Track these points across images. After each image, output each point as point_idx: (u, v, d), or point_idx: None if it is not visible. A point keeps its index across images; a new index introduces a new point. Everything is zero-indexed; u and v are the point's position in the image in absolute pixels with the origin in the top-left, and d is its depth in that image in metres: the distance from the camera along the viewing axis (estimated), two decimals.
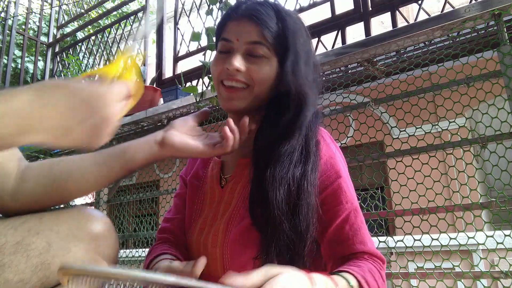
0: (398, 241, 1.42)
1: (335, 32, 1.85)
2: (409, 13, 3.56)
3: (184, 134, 0.73)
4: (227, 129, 0.70)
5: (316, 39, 1.91)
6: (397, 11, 1.67)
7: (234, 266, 0.74)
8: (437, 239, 1.32)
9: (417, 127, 1.44)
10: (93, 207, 2.46)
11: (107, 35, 3.15)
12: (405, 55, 1.62)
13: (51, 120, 0.50)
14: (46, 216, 0.61)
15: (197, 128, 0.75)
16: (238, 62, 0.75)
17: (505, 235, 1.24)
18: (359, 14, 1.77)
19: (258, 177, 0.74)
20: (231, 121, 0.72)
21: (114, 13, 4.53)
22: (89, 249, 0.61)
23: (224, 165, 0.89)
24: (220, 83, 0.80)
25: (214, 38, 1.91)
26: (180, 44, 2.54)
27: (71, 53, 3.43)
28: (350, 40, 1.74)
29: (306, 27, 0.84)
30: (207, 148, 0.70)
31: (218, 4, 1.98)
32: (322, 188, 0.75)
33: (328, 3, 1.88)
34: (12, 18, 3.59)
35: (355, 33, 2.24)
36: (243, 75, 0.76)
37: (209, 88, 1.87)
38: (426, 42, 1.51)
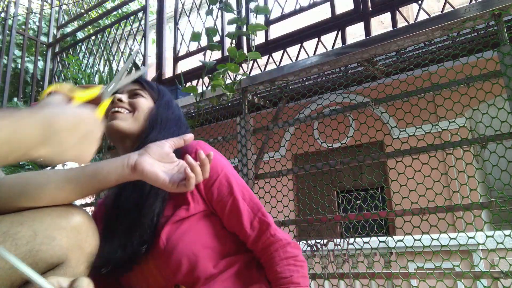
0: (398, 241, 1.42)
1: (335, 32, 1.85)
2: (409, 13, 3.55)
3: (156, 162, 0.73)
4: (188, 169, 0.71)
5: (316, 39, 1.91)
6: (397, 11, 1.67)
7: (168, 269, 0.82)
8: (437, 239, 1.32)
9: (417, 127, 1.44)
10: (92, 207, 2.46)
11: (107, 35, 3.15)
12: (405, 55, 1.62)
13: (53, 143, 0.56)
14: (25, 211, 0.64)
15: (171, 155, 0.75)
16: (121, 96, 1.00)
17: (505, 235, 1.24)
18: (359, 14, 1.77)
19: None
20: (189, 157, 0.73)
21: (114, 13, 4.52)
22: (71, 237, 0.64)
23: None
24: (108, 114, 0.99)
25: (214, 38, 1.92)
26: (180, 44, 2.54)
27: (71, 53, 3.43)
28: (350, 40, 1.74)
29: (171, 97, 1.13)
30: (171, 185, 0.71)
31: (218, 4, 1.98)
32: None
33: (328, 3, 1.88)
34: (12, 18, 3.59)
35: (355, 33, 2.24)
36: (124, 104, 1.00)
37: (209, 88, 1.87)
38: (426, 42, 1.51)
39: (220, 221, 0.86)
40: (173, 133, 0.95)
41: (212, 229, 0.84)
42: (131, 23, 2.99)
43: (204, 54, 2.32)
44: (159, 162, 0.73)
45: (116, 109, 0.99)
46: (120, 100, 1.00)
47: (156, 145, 0.75)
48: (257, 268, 0.85)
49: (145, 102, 1.03)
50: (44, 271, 0.62)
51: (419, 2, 1.62)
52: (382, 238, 1.49)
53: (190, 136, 0.78)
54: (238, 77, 1.81)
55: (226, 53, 2.09)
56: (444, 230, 1.32)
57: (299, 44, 1.95)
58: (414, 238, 1.35)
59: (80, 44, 3.43)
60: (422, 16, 1.51)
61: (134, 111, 0.99)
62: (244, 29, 1.96)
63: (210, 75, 1.85)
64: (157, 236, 0.80)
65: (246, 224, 0.83)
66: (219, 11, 2.29)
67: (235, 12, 2.04)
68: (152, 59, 2.89)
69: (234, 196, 0.84)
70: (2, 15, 3.89)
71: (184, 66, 2.47)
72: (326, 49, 1.81)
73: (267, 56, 2.02)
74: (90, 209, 2.83)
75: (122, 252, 0.79)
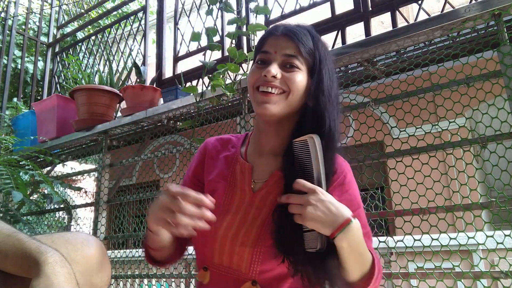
0: (398, 241, 1.42)
1: (335, 32, 1.85)
2: (409, 13, 3.55)
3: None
4: None
5: None
6: (397, 11, 1.67)
7: (263, 267, 0.80)
8: (437, 239, 1.32)
9: (417, 127, 1.44)
10: (93, 207, 2.46)
11: (107, 35, 3.15)
12: (405, 55, 1.62)
13: None
14: (43, 240, 0.65)
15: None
16: (275, 70, 0.84)
17: (505, 235, 1.24)
18: (359, 14, 1.77)
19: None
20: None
21: (114, 13, 4.52)
22: (83, 272, 0.65)
23: (253, 170, 0.91)
24: (255, 89, 0.87)
25: (214, 38, 1.92)
26: (180, 44, 2.54)
27: (71, 53, 3.43)
28: (350, 40, 1.74)
29: (331, 54, 0.92)
30: None
31: (218, 4, 1.98)
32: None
33: (328, 3, 1.88)
34: (12, 18, 3.59)
35: (355, 33, 2.24)
36: (279, 82, 0.84)
37: (209, 88, 1.87)
38: (426, 42, 1.51)
39: None
40: (334, 115, 0.85)
41: None
42: (131, 23, 2.99)
43: (204, 54, 2.32)
44: None
45: (268, 88, 0.84)
46: (274, 76, 0.83)
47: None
48: None
49: (302, 79, 0.85)
50: None
51: (419, 2, 1.62)
52: (382, 238, 1.49)
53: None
54: (238, 77, 1.81)
55: (226, 53, 2.09)
56: (444, 230, 1.32)
57: None
58: (414, 238, 1.35)
59: (80, 44, 3.43)
60: (422, 16, 1.51)
61: (289, 92, 0.84)
62: (244, 29, 1.96)
63: (210, 75, 1.85)
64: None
65: None
66: (219, 11, 2.29)
67: (235, 12, 2.04)
68: (152, 59, 2.89)
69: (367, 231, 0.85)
70: (2, 15, 3.89)
71: (184, 66, 2.47)
72: None
73: None
74: (90, 209, 2.83)
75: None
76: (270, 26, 0.97)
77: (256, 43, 0.94)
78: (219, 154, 0.98)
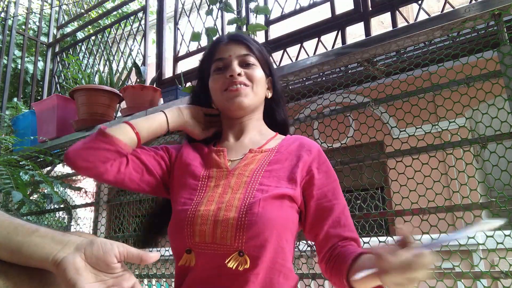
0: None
1: (335, 32, 1.85)
2: (409, 13, 3.55)
3: (86, 269, 0.56)
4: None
5: (316, 39, 1.91)
6: (397, 11, 1.67)
7: (249, 234, 0.79)
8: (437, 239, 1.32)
9: (417, 127, 1.44)
10: (93, 207, 2.46)
11: (107, 35, 3.15)
12: (405, 55, 1.62)
13: None
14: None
15: (114, 266, 0.59)
16: (238, 69, 0.96)
17: (505, 235, 1.24)
18: (359, 14, 1.77)
19: None
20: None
21: (114, 13, 4.52)
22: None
23: (228, 152, 1.00)
24: (223, 92, 0.97)
25: (214, 38, 1.92)
26: (180, 44, 2.54)
27: (71, 53, 3.43)
28: (350, 40, 1.74)
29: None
30: None
31: (218, 4, 1.98)
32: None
33: (328, 3, 1.88)
34: (12, 18, 3.59)
35: (355, 33, 2.24)
36: (243, 79, 0.96)
37: None
38: (426, 42, 1.51)
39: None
40: (283, 107, 1.07)
41: (295, 219, 0.89)
42: (131, 23, 2.99)
43: None
44: (91, 269, 0.57)
45: (237, 85, 0.96)
46: (239, 74, 0.96)
47: (101, 247, 0.58)
48: None
49: (260, 73, 1.00)
50: None
51: (419, 2, 1.62)
52: (382, 238, 1.49)
53: (154, 256, 0.64)
54: None
55: None
56: (444, 230, 1.32)
57: (299, 44, 1.94)
58: (414, 238, 1.35)
59: (80, 44, 3.43)
60: (422, 16, 1.51)
61: (253, 84, 0.98)
62: (244, 29, 1.96)
63: None
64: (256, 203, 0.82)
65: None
66: (219, 11, 2.29)
67: (235, 12, 2.04)
68: (152, 59, 2.89)
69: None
70: (2, 15, 3.89)
71: (184, 66, 2.47)
72: (326, 49, 1.81)
73: None
74: (90, 209, 2.83)
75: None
76: (216, 37, 1.17)
77: (202, 57, 1.07)
78: (191, 150, 1.04)
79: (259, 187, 0.85)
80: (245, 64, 0.98)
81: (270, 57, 1.11)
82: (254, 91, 0.97)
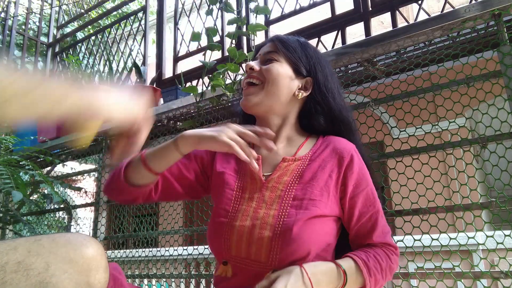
0: (398, 241, 1.42)
1: (335, 32, 1.85)
2: (409, 13, 3.56)
3: None
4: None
5: (316, 39, 1.91)
6: (397, 11, 1.67)
7: (282, 255, 0.79)
8: (437, 239, 1.32)
9: (417, 127, 1.44)
10: (93, 207, 2.46)
11: (107, 35, 3.15)
12: (405, 55, 1.62)
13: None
14: (44, 239, 0.67)
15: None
16: (254, 63, 0.94)
17: (505, 235, 1.24)
18: (359, 14, 1.77)
19: None
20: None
21: (114, 13, 4.52)
22: (81, 272, 0.66)
23: (263, 162, 0.95)
24: (244, 85, 0.95)
25: (214, 38, 1.92)
26: (180, 44, 2.54)
27: (71, 53, 3.43)
28: (350, 40, 1.74)
29: (325, 59, 1.01)
30: None
31: (218, 4, 1.98)
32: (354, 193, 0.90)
33: (328, 3, 1.88)
34: (12, 18, 3.59)
35: (355, 33, 2.24)
36: (257, 73, 0.92)
37: (209, 88, 1.87)
38: (426, 42, 1.51)
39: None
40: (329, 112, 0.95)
41: (333, 230, 0.88)
42: (131, 23, 2.99)
43: (204, 54, 2.31)
44: None
45: (250, 79, 0.92)
46: (251, 68, 0.92)
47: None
48: None
49: (279, 68, 0.91)
50: None
51: (419, 2, 1.62)
52: None
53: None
54: (238, 77, 1.81)
55: (226, 53, 2.09)
56: (444, 230, 1.32)
57: None
58: (414, 238, 1.35)
59: (80, 44, 3.43)
60: (422, 16, 1.51)
61: (265, 81, 0.91)
62: (244, 29, 1.96)
63: (210, 75, 1.85)
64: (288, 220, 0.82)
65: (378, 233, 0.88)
66: (219, 11, 2.29)
67: (235, 12, 2.04)
68: (152, 59, 2.89)
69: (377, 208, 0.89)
70: (2, 15, 3.89)
71: (184, 66, 2.47)
72: (326, 49, 1.81)
73: None
74: (90, 209, 2.83)
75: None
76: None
77: (255, 43, 1.03)
78: (226, 157, 1.00)
79: (292, 202, 0.84)
80: (267, 61, 0.93)
81: (326, 61, 0.99)
82: (266, 90, 0.90)
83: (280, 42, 0.94)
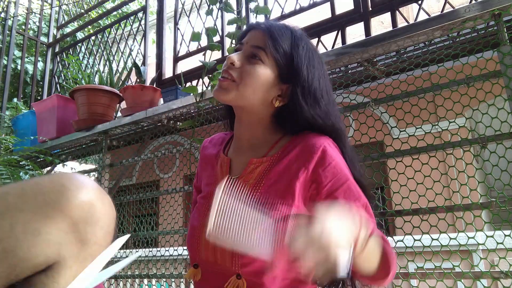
0: (398, 241, 1.42)
1: (335, 32, 1.85)
2: (409, 13, 3.56)
3: None
4: None
5: (316, 39, 1.91)
6: (397, 11, 1.67)
7: (244, 260, 0.77)
8: (437, 239, 1.32)
9: (417, 127, 1.44)
10: None
11: (107, 35, 3.15)
12: (405, 55, 1.62)
13: None
14: (12, 192, 0.45)
15: None
16: (236, 57, 0.84)
17: (505, 235, 1.24)
18: (359, 14, 1.77)
19: None
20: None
21: (114, 13, 4.53)
22: (66, 229, 0.45)
23: (232, 164, 0.92)
24: (220, 76, 0.87)
25: (214, 38, 1.92)
26: (180, 44, 2.54)
27: (71, 53, 3.43)
28: (350, 40, 1.74)
29: (319, 56, 0.89)
30: None
31: (218, 4, 1.98)
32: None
33: (328, 3, 1.88)
34: (12, 18, 3.59)
35: (355, 33, 2.24)
36: (235, 71, 0.83)
37: (209, 88, 1.87)
38: (426, 42, 1.51)
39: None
40: (321, 115, 0.83)
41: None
42: (131, 23, 2.99)
43: (204, 54, 2.31)
44: None
45: (224, 74, 0.84)
46: (232, 63, 0.84)
47: None
48: None
49: (262, 72, 0.83)
50: (30, 274, 0.44)
51: (419, 2, 1.62)
52: None
53: None
54: None
55: (226, 53, 2.09)
56: (444, 230, 1.32)
57: None
58: (414, 238, 1.35)
59: (80, 44, 3.43)
60: (422, 16, 1.51)
61: (239, 83, 0.83)
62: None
63: (210, 75, 1.85)
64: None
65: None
66: (219, 11, 2.29)
67: (235, 12, 2.04)
68: (152, 59, 2.89)
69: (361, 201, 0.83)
70: (2, 15, 3.89)
71: (184, 66, 2.47)
72: (326, 49, 1.81)
73: None
74: None
75: None
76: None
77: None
78: (208, 156, 0.99)
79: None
80: (253, 57, 0.84)
81: (318, 61, 0.89)
82: (241, 90, 0.83)
83: (272, 40, 0.83)
